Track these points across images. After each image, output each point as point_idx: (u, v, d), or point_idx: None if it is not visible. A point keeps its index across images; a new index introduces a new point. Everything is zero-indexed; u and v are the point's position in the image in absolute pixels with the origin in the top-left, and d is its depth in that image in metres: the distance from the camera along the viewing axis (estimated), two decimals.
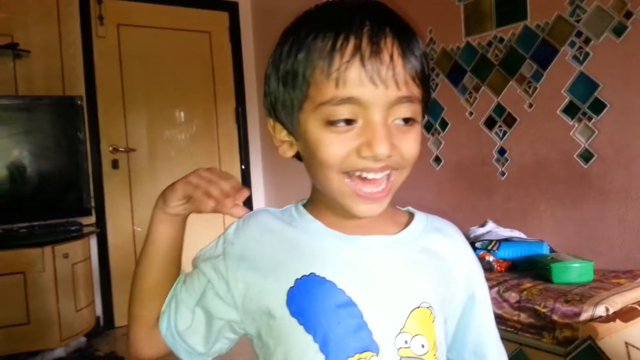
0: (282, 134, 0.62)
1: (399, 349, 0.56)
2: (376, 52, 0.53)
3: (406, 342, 0.57)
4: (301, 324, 0.56)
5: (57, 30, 2.99)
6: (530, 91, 2.07)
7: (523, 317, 1.45)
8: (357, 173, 0.56)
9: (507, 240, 1.80)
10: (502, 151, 2.17)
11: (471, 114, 2.28)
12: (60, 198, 2.78)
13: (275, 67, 0.59)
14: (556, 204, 1.99)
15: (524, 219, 2.07)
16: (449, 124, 2.36)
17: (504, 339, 0.71)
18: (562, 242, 1.90)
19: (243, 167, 3.64)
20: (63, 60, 3.01)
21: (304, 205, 0.66)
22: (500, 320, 1.46)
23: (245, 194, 0.63)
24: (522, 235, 1.92)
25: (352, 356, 0.55)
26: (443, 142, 2.39)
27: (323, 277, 0.57)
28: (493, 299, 1.25)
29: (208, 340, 0.63)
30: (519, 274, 1.64)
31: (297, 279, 0.57)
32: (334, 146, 0.55)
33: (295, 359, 0.56)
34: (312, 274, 0.58)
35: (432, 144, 2.42)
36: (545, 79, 2.01)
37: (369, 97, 0.53)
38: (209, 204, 0.61)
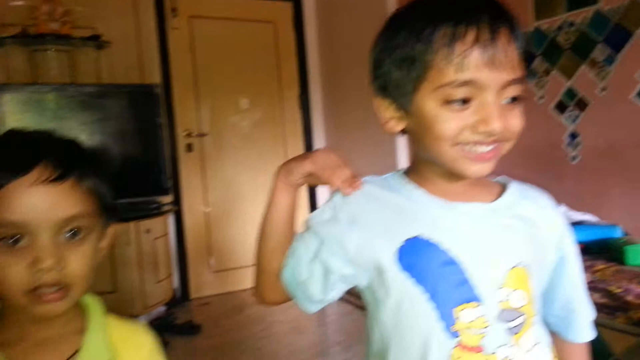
0: (390, 111, 0.70)
1: (499, 301, 0.64)
2: (494, 39, 0.60)
3: (507, 295, 0.65)
4: (412, 277, 0.65)
5: (135, 23, 3.18)
6: (603, 75, 2.05)
7: (596, 297, 1.49)
8: (468, 146, 0.64)
9: (580, 223, 1.82)
10: (573, 135, 2.18)
11: (541, 98, 2.29)
12: (142, 178, 2.99)
13: (388, 53, 0.67)
14: (629, 188, 1.99)
15: (597, 203, 2.08)
16: None
17: None
18: (635, 226, 1.90)
19: (307, 149, 3.76)
20: (141, 51, 3.21)
21: (405, 174, 0.74)
22: None
23: (359, 185, 0.71)
24: (595, 219, 1.93)
25: (457, 306, 0.64)
26: None
27: (428, 239, 0.66)
28: None
29: (324, 290, 0.72)
30: (592, 256, 1.67)
31: (406, 239, 0.66)
32: (450, 122, 0.62)
33: (408, 306, 0.66)
34: (418, 236, 0.66)
35: None
36: (618, 63, 2.00)
37: (485, 80, 0.60)
38: (334, 184, 0.71)
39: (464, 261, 0.65)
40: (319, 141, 3.79)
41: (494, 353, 0.64)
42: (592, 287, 1.50)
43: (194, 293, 3.37)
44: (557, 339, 0.76)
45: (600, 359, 1.46)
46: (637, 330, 1.37)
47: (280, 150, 3.68)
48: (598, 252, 1.69)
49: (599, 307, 1.48)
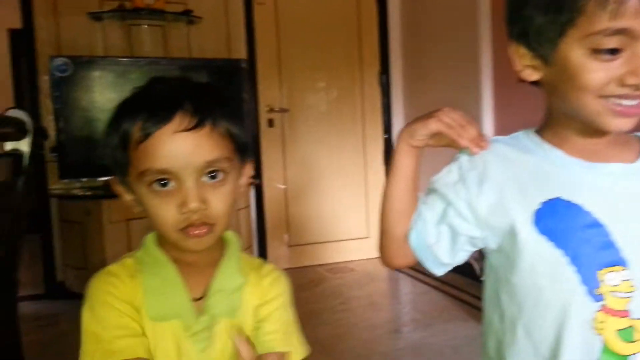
0: (527, 59, 0.65)
1: None
2: None
3: None
4: (551, 241, 0.62)
5: None
6: None
7: None
8: (613, 100, 0.59)
9: None
10: None
11: None
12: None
13: None
14: None
15: None
16: None
17: None
18: None
19: (386, 127, 3.70)
20: (228, 26, 3.28)
21: (537, 133, 0.70)
22: None
23: (487, 145, 0.68)
24: None
25: (602, 269, 0.60)
26: None
27: (569, 201, 0.62)
28: None
29: (452, 253, 0.71)
30: None
31: (543, 202, 0.63)
32: (597, 73, 0.58)
33: (544, 270, 0.62)
34: (558, 198, 0.63)
35: None
36: None
37: None
38: (460, 143, 0.68)
39: (608, 223, 0.61)
40: (398, 121, 3.72)
41: (637, 318, 0.60)
42: None
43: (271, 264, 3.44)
44: None
45: None
46: None
47: (358, 129, 3.65)
48: None
49: None
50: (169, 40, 3.12)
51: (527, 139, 0.70)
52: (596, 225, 0.61)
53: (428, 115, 0.71)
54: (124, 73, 2.91)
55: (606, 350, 0.61)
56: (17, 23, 3.04)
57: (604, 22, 0.56)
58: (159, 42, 3.11)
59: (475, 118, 2.89)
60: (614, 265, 0.61)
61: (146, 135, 0.62)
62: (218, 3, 3.24)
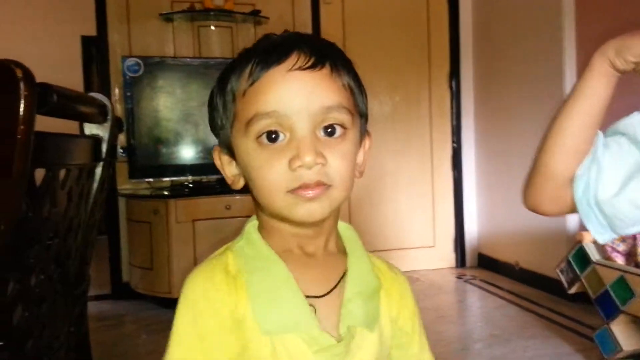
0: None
1: None
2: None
3: None
4: None
5: None
6: None
7: None
8: None
9: None
10: None
11: None
12: None
13: None
14: None
15: None
16: None
17: None
18: None
19: (455, 131, 3.54)
20: (295, 26, 3.23)
21: None
22: None
23: None
24: None
25: None
26: None
27: None
28: None
29: (631, 221, 0.57)
30: None
31: None
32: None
33: None
34: None
35: None
36: None
37: None
38: None
39: None
40: (467, 126, 3.56)
41: None
42: None
43: None
44: None
45: None
46: None
47: (425, 134, 3.52)
48: None
49: None
50: (237, 41, 3.11)
51: None
52: None
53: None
54: (192, 74, 2.92)
55: None
56: (90, 30, 3.13)
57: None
58: (227, 43, 3.11)
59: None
60: None
61: (256, 78, 0.53)
62: (285, 3, 3.21)
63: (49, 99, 0.66)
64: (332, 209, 0.55)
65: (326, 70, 0.54)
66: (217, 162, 0.61)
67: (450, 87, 3.53)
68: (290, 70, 0.52)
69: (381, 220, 3.45)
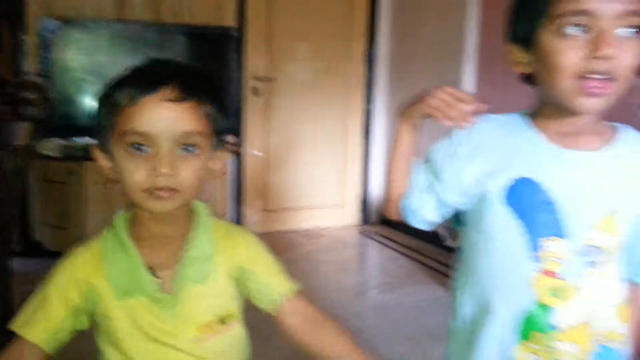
0: (518, 56, 0.76)
1: (584, 239, 0.73)
2: None
3: (592, 236, 0.74)
4: (513, 211, 0.75)
5: None
6: None
7: None
8: (584, 81, 0.68)
9: None
10: None
11: None
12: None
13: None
14: None
15: None
16: None
17: None
18: None
19: (367, 103, 3.82)
20: None
21: (529, 115, 0.80)
22: None
23: (472, 121, 0.79)
24: None
25: (545, 237, 0.74)
26: None
27: (536, 181, 0.74)
28: None
29: (436, 215, 0.85)
30: None
31: (515, 178, 0.75)
32: (566, 52, 0.68)
33: (502, 232, 0.76)
34: (527, 177, 0.75)
35: None
36: None
37: (598, 9, 0.66)
38: (448, 123, 0.80)
39: (560, 202, 0.73)
40: (380, 100, 3.83)
41: (568, 280, 0.74)
42: None
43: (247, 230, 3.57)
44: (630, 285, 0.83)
45: None
46: None
47: (341, 101, 3.74)
48: None
49: None
50: (160, 5, 3.12)
51: (516, 120, 0.80)
52: (550, 203, 0.74)
53: (421, 99, 0.82)
54: (113, 37, 2.93)
55: (537, 303, 0.74)
56: None
57: (567, 4, 0.67)
58: (150, 7, 3.11)
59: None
60: (556, 237, 0.73)
61: (134, 101, 0.69)
62: None
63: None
64: (177, 206, 0.74)
65: (191, 103, 0.71)
66: (94, 155, 0.77)
67: (366, 61, 3.77)
68: (162, 100, 0.69)
69: (295, 181, 3.69)
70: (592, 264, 0.74)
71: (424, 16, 3.41)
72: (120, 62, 2.95)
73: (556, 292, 0.74)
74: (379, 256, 3.25)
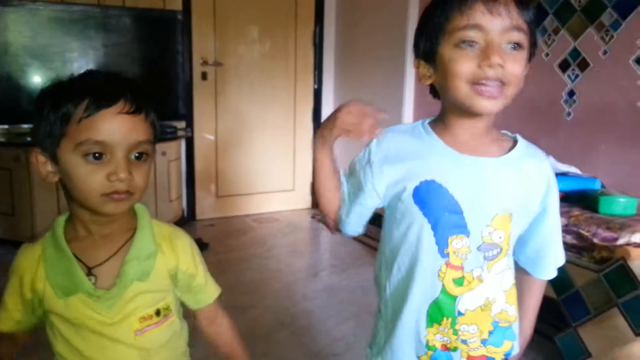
0: (424, 69, 0.85)
1: (483, 236, 0.82)
2: None
3: (489, 233, 0.83)
4: (421, 210, 0.83)
5: None
6: (607, 39, 2.17)
7: (568, 238, 1.69)
8: (479, 86, 0.77)
9: (564, 174, 2.00)
10: (571, 93, 2.32)
11: (547, 55, 2.41)
12: (159, 103, 3.13)
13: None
14: (615, 146, 2.16)
15: (582, 157, 2.25)
16: None
17: None
18: (613, 181, 2.08)
19: (316, 86, 3.88)
20: None
21: (431, 123, 0.89)
22: None
23: (378, 134, 0.87)
24: (578, 172, 2.11)
25: (452, 235, 0.82)
26: None
27: (440, 183, 0.82)
28: None
29: (360, 222, 0.93)
30: (570, 204, 1.86)
31: (421, 180, 0.83)
32: (462, 61, 0.77)
33: (415, 230, 0.84)
34: (433, 180, 0.82)
35: None
36: (622, 29, 2.11)
37: (487, 24, 0.75)
38: (363, 138, 0.86)
39: (462, 204, 0.82)
40: (328, 80, 3.90)
41: (470, 272, 0.83)
42: (566, 230, 1.70)
43: (199, 215, 3.60)
44: (521, 270, 0.93)
45: (563, 290, 1.69)
46: (598, 268, 1.58)
47: (290, 85, 3.78)
48: (576, 200, 1.89)
49: (569, 247, 1.69)
50: None
51: (420, 128, 0.88)
52: (455, 204, 0.82)
53: (332, 121, 0.88)
54: (54, 19, 2.85)
55: (444, 290, 0.83)
56: None
57: (462, 21, 0.76)
58: None
59: (398, 81, 3.13)
60: (460, 234, 0.82)
61: (91, 113, 0.73)
62: None
63: None
64: (130, 207, 0.82)
65: (142, 115, 0.78)
66: (33, 161, 0.79)
67: (314, 45, 3.82)
68: (118, 113, 0.75)
69: (247, 166, 3.72)
70: (490, 257, 0.84)
71: (370, 3, 3.48)
72: (63, 45, 2.90)
73: (460, 283, 0.84)
74: (328, 240, 3.34)
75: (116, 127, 0.75)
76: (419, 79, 0.87)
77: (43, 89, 0.79)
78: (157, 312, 0.85)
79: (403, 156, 0.86)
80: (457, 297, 0.84)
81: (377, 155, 0.87)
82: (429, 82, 0.86)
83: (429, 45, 0.82)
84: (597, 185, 1.94)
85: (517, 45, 0.77)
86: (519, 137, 0.89)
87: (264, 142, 3.74)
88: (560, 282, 1.66)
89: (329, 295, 2.42)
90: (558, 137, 2.37)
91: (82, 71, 0.81)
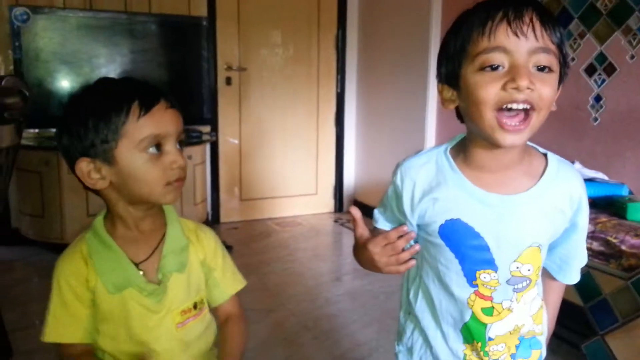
0: (447, 93, 0.81)
1: (511, 271, 0.82)
2: (518, 16, 0.71)
3: (517, 267, 0.82)
4: (447, 246, 0.83)
5: None
6: (634, 43, 2.14)
7: (595, 245, 1.67)
8: (504, 113, 0.72)
9: (591, 180, 1.97)
10: (597, 98, 2.29)
11: (573, 59, 2.38)
12: (184, 108, 3.19)
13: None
14: None
15: (609, 163, 2.22)
16: None
17: None
18: None
19: (339, 90, 3.90)
20: None
21: (452, 151, 0.85)
22: None
23: (410, 264, 0.86)
24: (605, 178, 2.09)
25: (479, 270, 0.82)
26: None
27: (466, 222, 0.81)
28: None
29: None
30: (597, 210, 1.83)
31: (447, 219, 0.82)
32: (487, 85, 0.72)
33: (444, 263, 0.85)
34: (458, 219, 0.81)
35: None
36: None
37: (513, 46, 0.70)
38: (398, 272, 0.87)
39: (489, 242, 0.81)
40: (351, 84, 3.91)
41: (499, 303, 0.84)
42: (593, 236, 1.68)
43: (223, 218, 3.65)
44: (544, 272, 0.92)
45: (590, 298, 1.67)
46: (626, 275, 1.56)
47: (313, 90, 3.81)
48: (604, 207, 1.86)
49: (596, 253, 1.67)
50: None
51: (444, 158, 0.84)
52: (481, 241, 0.81)
53: (374, 267, 0.88)
54: (83, 26, 2.93)
55: (474, 317, 0.84)
56: None
57: (485, 43, 0.72)
58: None
59: (422, 85, 3.13)
60: (488, 269, 0.82)
61: (147, 111, 0.80)
62: None
63: None
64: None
65: (176, 108, 0.85)
66: (83, 171, 0.82)
67: (337, 50, 3.84)
68: (167, 108, 0.83)
69: (269, 170, 3.76)
70: (519, 289, 0.84)
71: (392, 8, 3.48)
72: (91, 51, 2.97)
73: (490, 313, 0.85)
74: (351, 244, 3.32)
75: (168, 119, 0.82)
76: (442, 103, 0.84)
77: (69, 108, 0.83)
78: (195, 305, 0.91)
79: (427, 191, 0.84)
80: (487, 324, 0.85)
81: (406, 197, 0.86)
82: (452, 106, 0.82)
83: (451, 69, 0.78)
84: (624, 192, 1.91)
85: (547, 68, 0.73)
86: (549, 157, 0.85)
87: (287, 146, 3.78)
88: (586, 289, 1.65)
89: (352, 300, 2.43)
90: (584, 143, 2.35)
91: (96, 79, 0.86)
